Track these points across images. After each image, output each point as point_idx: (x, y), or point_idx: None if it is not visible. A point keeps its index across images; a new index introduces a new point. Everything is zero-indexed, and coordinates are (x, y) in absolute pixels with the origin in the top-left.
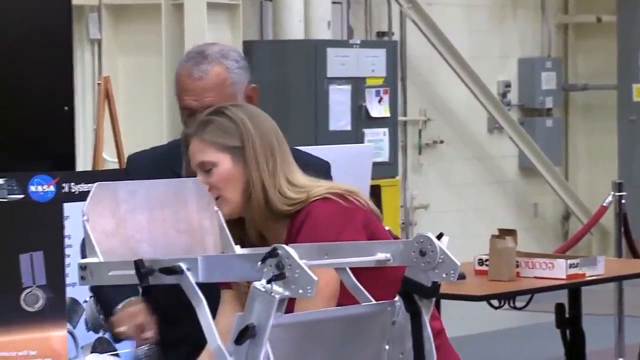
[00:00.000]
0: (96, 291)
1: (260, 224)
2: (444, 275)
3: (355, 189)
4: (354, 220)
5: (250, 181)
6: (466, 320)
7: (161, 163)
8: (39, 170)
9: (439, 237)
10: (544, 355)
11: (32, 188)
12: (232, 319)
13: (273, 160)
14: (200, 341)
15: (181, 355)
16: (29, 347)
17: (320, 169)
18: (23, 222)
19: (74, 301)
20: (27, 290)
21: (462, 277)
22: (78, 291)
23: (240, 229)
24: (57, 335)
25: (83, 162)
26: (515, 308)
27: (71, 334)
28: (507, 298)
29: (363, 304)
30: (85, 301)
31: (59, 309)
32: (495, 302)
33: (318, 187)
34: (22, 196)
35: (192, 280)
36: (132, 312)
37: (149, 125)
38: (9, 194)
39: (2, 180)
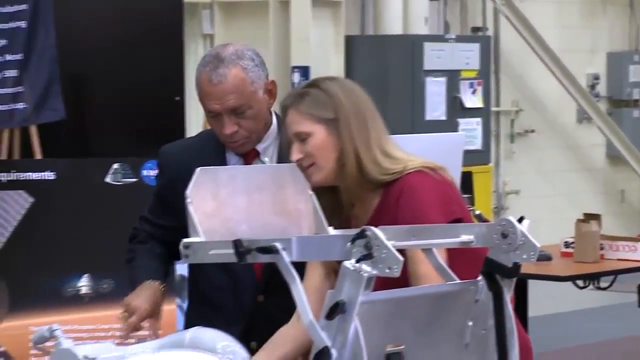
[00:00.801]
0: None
1: (352, 192)
2: (525, 257)
3: (444, 166)
4: (449, 192)
5: (343, 150)
6: (553, 300)
7: (191, 153)
8: (151, 156)
9: (520, 220)
10: (626, 333)
11: (145, 172)
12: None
13: (366, 132)
14: (244, 326)
15: None
16: None
17: None
18: (136, 204)
19: (183, 277)
20: None
21: (548, 258)
22: (186, 268)
23: (333, 197)
24: (167, 309)
25: None
26: (599, 288)
27: (180, 307)
28: (591, 279)
29: (448, 282)
30: None
31: (168, 285)
32: (580, 283)
33: (412, 160)
34: (135, 180)
35: (287, 259)
36: (132, 309)
37: None
38: (123, 178)
39: (117, 165)
